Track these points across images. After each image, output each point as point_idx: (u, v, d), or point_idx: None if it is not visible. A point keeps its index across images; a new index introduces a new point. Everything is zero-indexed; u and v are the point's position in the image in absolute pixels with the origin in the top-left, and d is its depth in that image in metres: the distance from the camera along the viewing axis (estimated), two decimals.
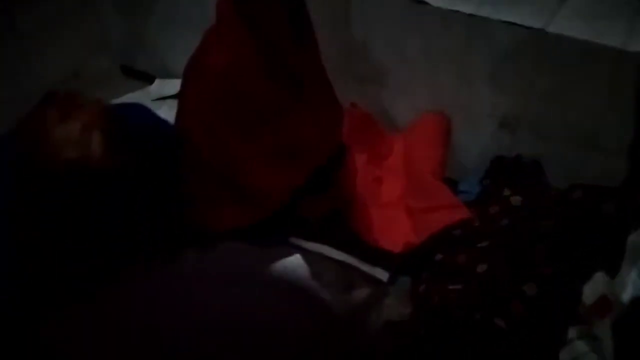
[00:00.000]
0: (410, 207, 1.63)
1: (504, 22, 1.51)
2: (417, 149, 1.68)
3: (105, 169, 0.99)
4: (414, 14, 1.63)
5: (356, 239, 1.54)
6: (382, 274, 1.46)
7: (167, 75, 2.26)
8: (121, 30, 2.17)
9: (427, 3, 1.60)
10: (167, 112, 2.05)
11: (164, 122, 1.52)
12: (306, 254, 1.42)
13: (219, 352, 1.09)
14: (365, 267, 1.47)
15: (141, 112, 1.48)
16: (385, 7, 1.67)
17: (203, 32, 1.49)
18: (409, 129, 1.77)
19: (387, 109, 1.84)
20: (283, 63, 1.42)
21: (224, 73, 1.38)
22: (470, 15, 1.55)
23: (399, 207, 1.63)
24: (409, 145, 1.71)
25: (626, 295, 0.99)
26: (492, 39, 1.55)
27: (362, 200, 1.62)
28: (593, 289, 1.09)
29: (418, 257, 1.54)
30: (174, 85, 2.20)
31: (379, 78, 1.79)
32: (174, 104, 2.11)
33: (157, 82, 2.25)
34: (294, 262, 1.37)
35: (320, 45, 1.49)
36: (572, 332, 1.10)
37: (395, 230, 1.58)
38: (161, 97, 2.14)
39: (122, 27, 2.17)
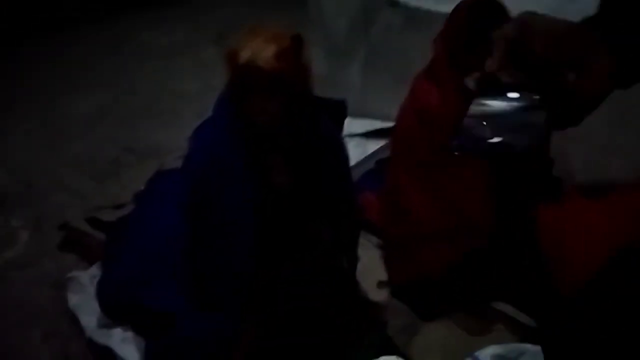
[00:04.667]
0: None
1: None
2: None
3: (268, 69, 1.08)
4: None
5: None
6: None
7: (358, 114, 2.28)
8: (323, 71, 2.27)
9: None
10: (354, 149, 2.08)
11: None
12: None
13: None
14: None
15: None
16: None
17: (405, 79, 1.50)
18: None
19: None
20: None
21: (431, 116, 1.38)
22: None
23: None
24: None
25: None
26: None
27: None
28: None
29: None
30: (362, 125, 2.23)
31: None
32: (360, 142, 2.17)
33: (347, 120, 2.29)
34: None
35: None
36: None
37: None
38: (350, 135, 2.16)
39: (324, 68, 2.27)
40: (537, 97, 0.91)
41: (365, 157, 2.02)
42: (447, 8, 2.05)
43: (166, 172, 1.88)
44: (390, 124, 2.28)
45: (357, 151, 2.09)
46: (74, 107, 2.58)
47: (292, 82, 1.19)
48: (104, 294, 1.40)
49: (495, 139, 0.96)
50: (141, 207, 1.67)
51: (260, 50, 1.11)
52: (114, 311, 1.38)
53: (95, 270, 1.53)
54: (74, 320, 1.43)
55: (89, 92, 2.73)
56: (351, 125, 2.31)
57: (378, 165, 1.93)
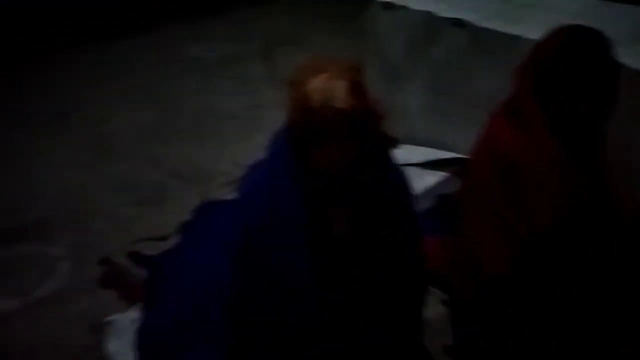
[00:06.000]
0: None
1: None
2: None
3: (348, 110, 1.00)
4: None
5: None
6: None
7: (416, 141, 2.10)
8: (379, 94, 2.11)
9: None
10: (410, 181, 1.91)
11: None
12: None
13: None
14: None
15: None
16: None
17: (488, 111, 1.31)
18: None
19: None
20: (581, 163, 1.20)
21: (516, 158, 1.19)
22: None
23: None
24: None
25: None
26: None
27: None
28: None
29: None
30: (420, 153, 2.05)
31: None
32: (418, 173, 1.98)
33: (403, 147, 2.10)
34: None
35: None
36: None
37: None
38: (406, 164, 1.97)
39: (380, 91, 2.10)
40: None
41: (425, 191, 1.83)
42: (520, 30, 1.85)
43: (212, 204, 1.75)
44: (451, 154, 2.10)
45: (415, 183, 1.89)
46: (119, 124, 2.50)
47: (368, 121, 1.04)
48: (143, 347, 1.27)
49: None
50: (185, 244, 1.54)
51: (333, 89, 0.99)
52: None
53: (134, 313, 1.40)
54: None
55: (134, 108, 2.64)
56: (408, 153, 2.14)
57: (440, 202, 1.75)
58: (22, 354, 1.39)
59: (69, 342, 1.42)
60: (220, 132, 2.44)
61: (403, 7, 2.01)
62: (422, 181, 1.88)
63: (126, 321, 1.38)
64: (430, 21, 1.95)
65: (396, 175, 1.19)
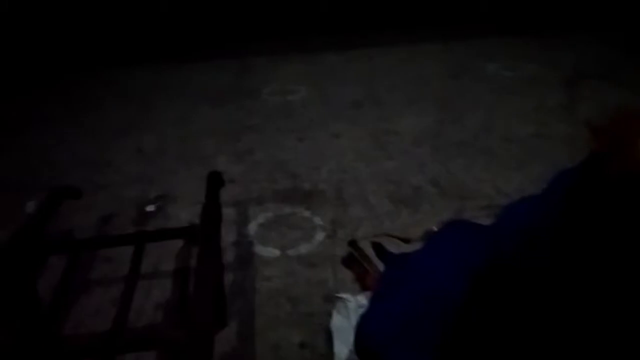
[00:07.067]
0: None
1: None
2: None
3: None
4: None
5: None
6: None
7: None
8: None
9: None
10: None
11: None
12: None
13: None
14: None
15: None
16: None
17: None
18: None
19: None
20: None
21: None
22: None
23: None
24: None
25: None
26: None
27: None
28: None
29: None
30: None
31: None
32: None
33: None
34: None
35: None
36: None
37: None
38: None
39: None
40: None
41: None
42: None
43: (463, 223, 1.70)
44: None
45: None
46: (401, 124, 2.65)
47: None
48: (361, 333, 1.33)
49: None
50: (425, 253, 1.54)
51: None
52: (363, 354, 1.31)
53: (363, 299, 1.48)
54: (330, 340, 1.42)
55: (419, 112, 2.76)
56: None
57: None
58: (270, 294, 1.63)
59: (305, 302, 1.60)
60: (493, 153, 2.34)
61: None
62: None
63: (355, 303, 1.47)
64: None
65: None
